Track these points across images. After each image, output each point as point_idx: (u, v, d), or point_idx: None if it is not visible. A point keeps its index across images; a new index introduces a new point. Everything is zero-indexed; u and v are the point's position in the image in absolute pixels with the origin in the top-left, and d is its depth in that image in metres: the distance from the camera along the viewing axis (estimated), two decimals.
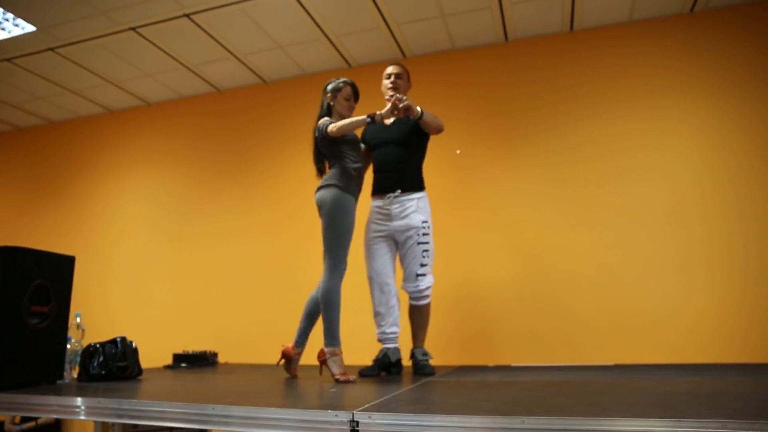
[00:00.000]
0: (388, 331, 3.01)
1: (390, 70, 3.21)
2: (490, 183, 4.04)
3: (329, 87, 2.92)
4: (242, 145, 4.84)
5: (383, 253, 3.04)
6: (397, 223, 3.01)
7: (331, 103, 2.89)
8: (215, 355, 3.95)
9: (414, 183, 3.07)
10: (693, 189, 3.62)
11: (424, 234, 3.00)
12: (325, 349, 2.63)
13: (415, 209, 3.01)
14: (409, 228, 2.99)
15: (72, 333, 2.80)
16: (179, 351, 3.85)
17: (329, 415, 1.59)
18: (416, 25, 4.00)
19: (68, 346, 2.73)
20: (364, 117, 2.69)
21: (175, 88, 4.96)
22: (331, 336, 2.63)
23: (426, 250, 3.00)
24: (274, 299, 4.41)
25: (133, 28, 3.97)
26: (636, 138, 3.77)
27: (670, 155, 3.70)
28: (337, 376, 2.53)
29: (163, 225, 4.95)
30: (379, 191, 3.08)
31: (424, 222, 3.01)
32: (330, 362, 2.59)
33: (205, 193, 4.87)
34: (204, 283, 4.67)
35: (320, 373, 2.70)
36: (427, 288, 3.01)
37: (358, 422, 1.55)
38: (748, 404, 1.59)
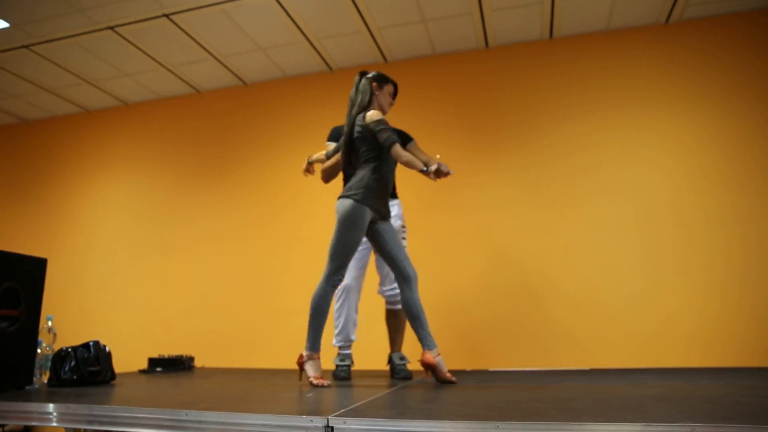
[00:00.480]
0: (354, 338, 3.07)
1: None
2: (469, 187, 4.06)
3: (374, 75, 2.75)
4: (222, 148, 4.81)
5: (361, 257, 3.03)
6: None
7: (376, 93, 2.73)
8: (191, 359, 3.90)
9: (393, 191, 3.14)
10: (672, 195, 3.69)
11: (402, 238, 3.03)
12: (304, 353, 2.60)
13: (395, 214, 3.06)
14: None
15: (43, 337, 2.74)
16: (155, 355, 3.79)
17: (304, 421, 1.58)
18: (397, 30, 4.01)
19: (39, 351, 2.67)
20: (422, 166, 2.53)
21: (153, 89, 4.90)
22: (311, 340, 2.60)
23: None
24: (251, 303, 4.38)
25: (111, 27, 3.92)
26: (616, 141, 3.84)
27: (655, 160, 3.77)
28: (311, 379, 2.51)
29: (139, 228, 4.88)
30: None
31: (403, 227, 3.06)
32: (307, 366, 2.57)
33: (182, 197, 4.81)
34: (181, 287, 4.62)
35: (299, 378, 2.68)
36: None
37: (333, 428, 1.53)
38: (718, 407, 1.62)
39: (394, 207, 3.09)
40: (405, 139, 3.18)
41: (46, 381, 2.68)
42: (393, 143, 2.54)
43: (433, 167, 2.51)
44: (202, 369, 3.87)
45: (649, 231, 3.66)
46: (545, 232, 3.84)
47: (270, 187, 4.57)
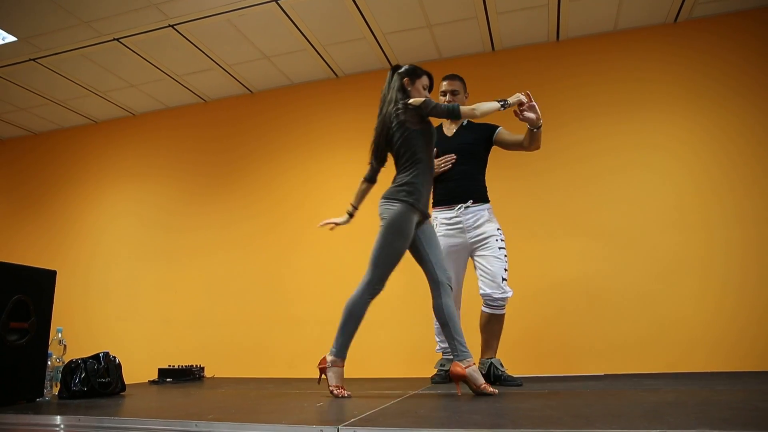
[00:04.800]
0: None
1: (445, 86, 3.05)
2: None
3: (406, 70, 2.59)
4: (229, 157, 4.81)
5: (455, 266, 2.93)
6: (471, 234, 2.91)
7: (408, 89, 2.56)
8: (202, 369, 3.89)
9: (483, 194, 3.01)
10: (677, 195, 3.65)
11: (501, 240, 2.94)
12: (328, 357, 2.44)
13: (488, 218, 2.95)
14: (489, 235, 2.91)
15: (53, 349, 2.74)
16: (165, 365, 3.78)
17: (314, 431, 1.56)
18: (403, 35, 4.00)
19: (49, 363, 2.67)
20: (497, 105, 2.39)
21: (160, 99, 4.92)
22: (340, 346, 2.45)
23: (506, 256, 2.91)
24: (260, 311, 4.37)
25: (117, 39, 3.94)
26: (625, 144, 3.80)
27: (661, 161, 3.72)
28: (331, 388, 2.38)
29: (147, 238, 4.90)
30: (448, 202, 2.96)
31: (498, 229, 2.96)
32: (330, 373, 2.42)
33: (190, 206, 4.82)
34: (190, 297, 4.62)
35: (318, 382, 2.53)
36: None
37: None
38: (736, 413, 1.58)
39: (485, 211, 2.95)
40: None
41: (56, 393, 2.68)
42: (457, 107, 2.37)
43: (514, 99, 2.44)
44: (213, 379, 3.86)
45: (661, 234, 3.61)
46: (553, 238, 3.80)
47: (277, 194, 4.57)
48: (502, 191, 3.95)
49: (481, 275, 2.89)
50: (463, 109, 2.38)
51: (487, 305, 2.88)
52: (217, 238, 4.65)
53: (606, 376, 3.14)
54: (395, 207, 2.40)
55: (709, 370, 3.26)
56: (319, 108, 4.60)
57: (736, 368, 3.25)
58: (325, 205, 4.42)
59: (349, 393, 2.38)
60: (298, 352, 4.17)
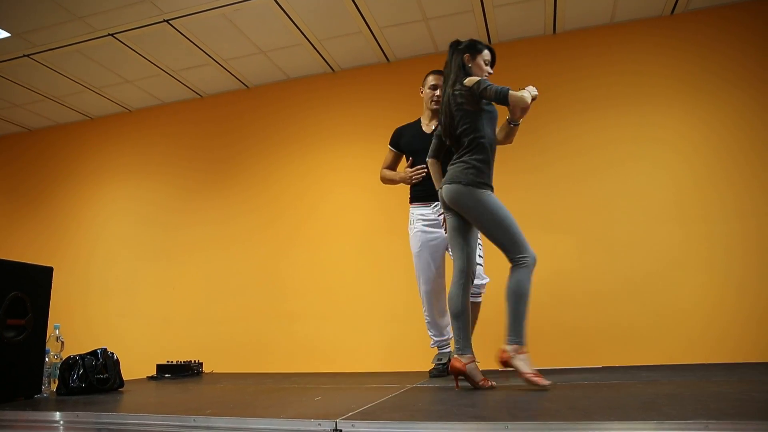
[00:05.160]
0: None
1: (434, 81, 3.05)
2: None
3: (465, 46, 2.50)
4: (225, 152, 4.80)
5: (436, 259, 3.03)
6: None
7: (469, 65, 2.48)
8: (200, 364, 3.90)
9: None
10: (676, 188, 3.65)
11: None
12: (508, 348, 2.27)
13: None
14: None
15: (51, 346, 2.74)
16: (163, 361, 3.78)
17: (312, 424, 1.56)
18: (399, 29, 3.99)
19: (47, 359, 2.67)
20: (529, 98, 2.35)
21: (156, 94, 4.90)
22: (521, 332, 2.31)
23: (481, 245, 2.95)
24: (259, 307, 4.37)
25: (112, 34, 3.92)
26: (623, 137, 3.79)
27: (660, 154, 3.72)
28: (529, 376, 2.18)
29: (144, 234, 4.89)
30: (425, 199, 3.04)
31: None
32: (518, 361, 2.24)
33: (187, 202, 4.81)
34: (189, 293, 4.61)
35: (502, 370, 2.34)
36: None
37: (341, 431, 1.52)
38: (731, 404, 1.59)
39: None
40: None
41: (54, 389, 2.68)
42: (507, 91, 2.28)
43: (534, 91, 2.41)
44: (211, 374, 3.87)
45: (660, 227, 3.61)
46: (552, 232, 3.80)
47: (275, 189, 4.56)
48: (500, 186, 3.95)
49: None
50: (513, 94, 2.29)
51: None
52: (215, 234, 4.64)
53: (604, 369, 3.15)
54: (469, 191, 2.39)
55: (706, 362, 3.27)
56: (315, 103, 4.59)
57: (733, 360, 3.25)
58: (324, 199, 4.42)
59: (548, 382, 2.19)
60: (297, 347, 4.18)
